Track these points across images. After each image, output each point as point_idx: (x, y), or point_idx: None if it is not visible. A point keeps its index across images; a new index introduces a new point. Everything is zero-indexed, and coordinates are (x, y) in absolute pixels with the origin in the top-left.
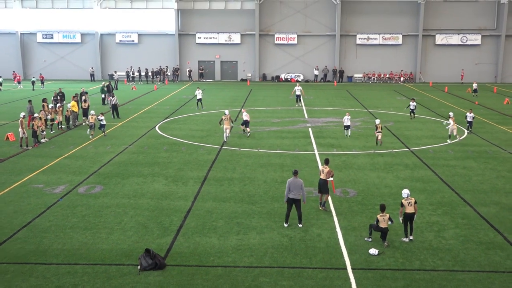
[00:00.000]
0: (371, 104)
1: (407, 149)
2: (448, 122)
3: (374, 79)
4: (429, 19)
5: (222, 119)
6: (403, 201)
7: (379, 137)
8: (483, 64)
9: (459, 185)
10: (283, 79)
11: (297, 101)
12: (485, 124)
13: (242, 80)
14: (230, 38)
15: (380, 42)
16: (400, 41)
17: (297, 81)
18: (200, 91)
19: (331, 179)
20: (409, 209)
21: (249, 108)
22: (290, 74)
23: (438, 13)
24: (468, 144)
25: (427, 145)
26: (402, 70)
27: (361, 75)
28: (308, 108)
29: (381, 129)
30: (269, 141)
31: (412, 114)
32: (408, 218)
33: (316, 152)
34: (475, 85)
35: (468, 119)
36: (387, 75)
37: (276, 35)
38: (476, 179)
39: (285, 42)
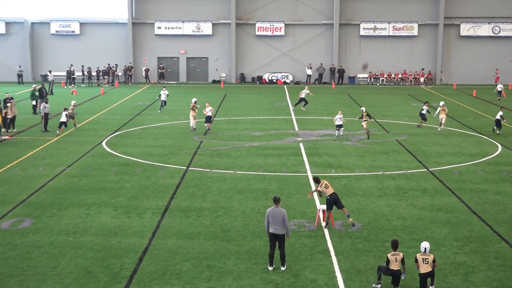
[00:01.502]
0: (379, 112)
1: (426, 170)
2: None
3: (383, 80)
4: (453, 4)
5: (191, 107)
6: (418, 255)
7: (364, 126)
8: None
9: (491, 216)
10: (267, 81)
11: (297, 104)
12: None
13: (214, 81)
14: (199, 29)
15: (390, 34)
16: (415, 32)
17: (302, 82)
18: (166, 92)
19: (319, 208)
20: (424, 268)
21: (223, 118)
22: (275, 75)
23: None
24: (503, 162)
25: (451, 164)
26: (423, 69)
27: (366, 76)
28: (299, 117)
29: (368, 117)
30: (249, 160)
31: (422, 120)
32: (425, 277)
33: (309, 174)
34: (500, 87)
35: (497, 117)
36: (399, 75)
37: (257, 25)
38: None
39: (269, 33)
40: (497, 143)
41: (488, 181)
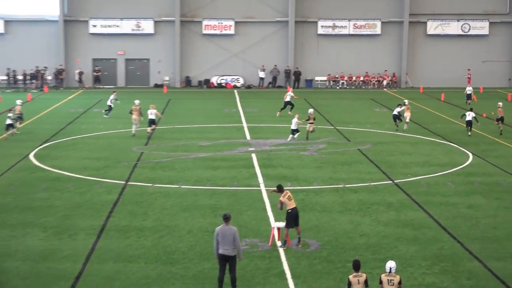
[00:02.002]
0: (340, 118)
1: (391, 182)
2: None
3: (343, 83)
4: (418, 0)
5: (132, 109)
6: (382, 276)
7: (311, 129)
8: (492, 62)
9: (463, 232)
10: (215, 85)
11: (282, 109)
12: (498, 145)
13: (156, 86)
14: (139, 27)
15: (351, 32)
16: (378, 31)
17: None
18: (115, 97)
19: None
20: None
21: (166, 126)
22: (225, 78)
23: None
24: (474, 173)
25: (418, 175)
26: (386, 71)
27: (325, 78)
28: (251, 125)
29: (314, 120)
30: (195, 173)
31: (397, 121)
32: None
33: (263, 188)
34: (469, 89)
35: (469, 118)
36: (361, 78)
37: (204, 22)
38: (486, 222)
39: (218, 31)
40: (468, 152)
41: (459, 194)
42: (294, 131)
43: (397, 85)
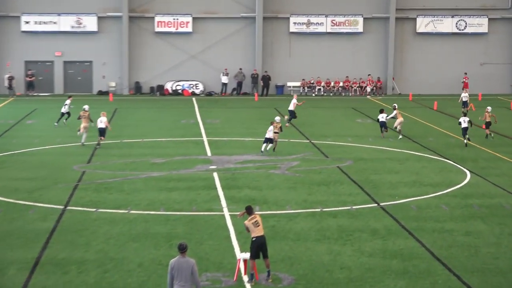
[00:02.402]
0: (316, 131)
1: (376, 205)
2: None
3: (320, 89)
4: None
5: (80, 115)
6: None
7: (276, 138)
8: (491, 64)
9: (460, 263)
10: (170, 92)
11: (291, 119)
12: (499, 162)
13: (100, 93)
14: (80, 24)
15: (329, 30)
16: (360, 28)
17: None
18: (70, 103)
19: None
20: None
21: (113, 141)
22: (181, 83)
23: None
24: (472, 194)
25: (408, 197)
26: (369, 75)
27: (298, 84)
28: (212, 139)
29: (281, 130)
30: (147, 196)
31: (384, 129)
32: None
33: (226, 213)
34: (465, 96)
35: (465, 124)
36: (341, 84)
37: (157, 18)
38: (487, 251)
39: (173, 29)
40: (465, 169)
41: (455, 218)
42: (267, 141)
43: (382, 91)
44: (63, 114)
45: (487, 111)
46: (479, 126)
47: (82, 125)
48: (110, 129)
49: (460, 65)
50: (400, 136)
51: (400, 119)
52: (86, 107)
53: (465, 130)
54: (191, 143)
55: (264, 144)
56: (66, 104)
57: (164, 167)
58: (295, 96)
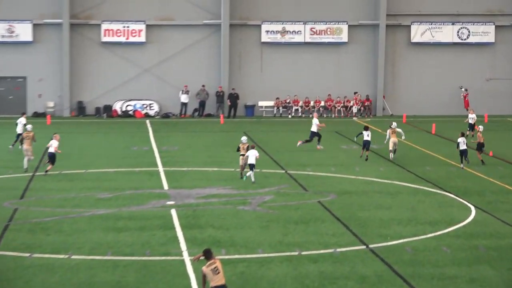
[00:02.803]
0: (293, 159)
1: (364, 247)
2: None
3: (297, 110)
4: None
5: (23, 137)
6: None
7: (241, 162)
8: (499, 80)
9: None
10: (120, 113)
11: (309, 141)
12: (509, 195)
13: (36, 114)
14: (12, 32)
15: (308, 39)
16: (344, 37)
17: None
18: (23, 120)
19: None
20: None
21: (51, 172)
22: (133, 103)
23: None
24: (478, 233)
25: (402, 237)
26: (356, 93)
27: (271, 104)
28: (170, 169)
29: (248, 149)
30: (91, 237)
31: (365, 151)
32: None
33: (186, 257)
34: (472, 118)
35: (463, 147)
36: (322, 103)
37: (104, 26)
38: None
39: (123, 39)
40: (469, 204)
41: (458, 263)
42: (249, 166)
43: (371, 112)
44: (19, 135)
45: (479, 131)
46: (498, 158)
47: (24, 147)
48: (59, 151)
49: (463, 81)
50: (391, 156)
51: (393, 139)
52: (29, 127)
53: (464, 153)
54: (145, 175)
55: (250, 172)
56: (20, 123)
57: (112, 203)
58: (315, 115)
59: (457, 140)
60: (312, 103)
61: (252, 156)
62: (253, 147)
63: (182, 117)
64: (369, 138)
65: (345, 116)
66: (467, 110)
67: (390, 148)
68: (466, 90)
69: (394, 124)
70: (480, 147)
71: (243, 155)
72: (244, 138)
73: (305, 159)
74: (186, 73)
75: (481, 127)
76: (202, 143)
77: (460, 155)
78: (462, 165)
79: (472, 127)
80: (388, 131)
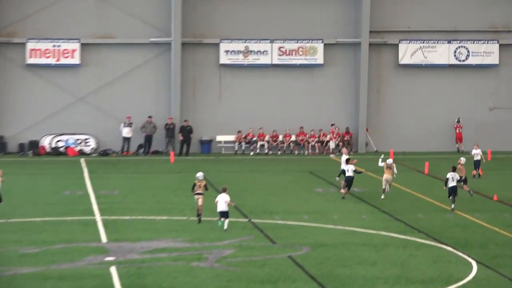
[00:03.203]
0: (258, 205)
1: None
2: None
3: (263, 146)
4: (384, 9)
5: None
6: None
7: (198, 203)
8: (505, 109)
9: None
10: (49, 150)
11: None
12: None
13: None
14: None
15: (276, 61)
16: (319, 58)
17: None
18: None
19: None
20: None
21: None
22: (65, 138)
23: None
24: None
25: None
26: (333, 125)
27: (232, 138)
28: (109, 217)
29: (205, 188)
30: None
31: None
32: None
33: None
34: (477, 153)
35: (452, 183)
36: (293, 137)
37: (29, 45)
38: None
39: (53, 60)
40: (469, 259)
41: None
42: (222, 214)
43: (351, 148)
44: None
45: (460, 163)
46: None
47: None
48: None
49: (461, 110)
50: (382, 196)
51: (386, 176)
52: None
53: (453, 191)
54: (78, 225)
55: (221, 221)
56: None
57: (39, 260)
58: (344, 151)
59: (446, 176)
60: (281, 138)
61: (222, 201)
62: (224, 190)
63: (124, 154)
64: (352, 174)
65: (321, 153)
66: (459, 145)
67: (383, 186)
68: (458, 121)
69: (390, 160)
70: (462, 181)
71: (198, 193)
72: (200, 174)
73: (272, 205)
74: (129, 102)
75: (462, 159)
76: (148, 186)
77: (448, 194)
78: (452, 206)
79: (478, 164)
80: (382, 164)
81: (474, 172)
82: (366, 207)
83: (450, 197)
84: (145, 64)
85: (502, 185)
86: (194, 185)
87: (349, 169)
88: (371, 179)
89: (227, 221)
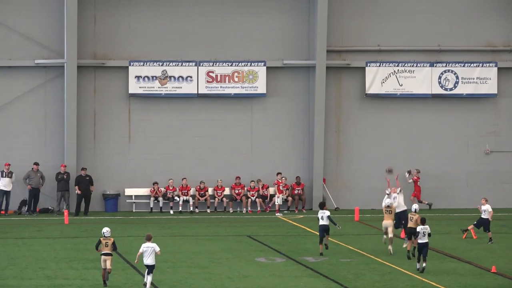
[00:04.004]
0: (182, 282)
1: None
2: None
3: (186, 201)
4: (347, 22)
5: None
6: None
7: (108, 265)
8: (505, 153)
9: None
10: None
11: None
12: None
13: None
14: None
15: (203, 90)
16: (261, 87)
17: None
18: None
19: None
20: None
21: None
22: None
23: (370, 6)
24: None
25: None
26: (279, 174)
27: (145, 192)
28: None
29: (114, 247)
30: None
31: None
32: None
33: None
34: (485, 210)
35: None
36: (226, 190)
37: None
38: None
39: None
40: None
41: None
42: (151, 269)
43: (304, 204)
44: None
45: (412, 214)
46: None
47: None
48: None
49: (448, 154)
50: (391, 251)
51: (386, 222)
52: None
53: (423, 249)
54: None
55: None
56: None
57: None
58: (394, 189)
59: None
60: (210, 191)
61: (150, 252)
62: (149, 239)
63: (1, 214)
64: (326, 222)
65: (263, 210)
66: (420, 201)
67: (383, 239)
68: (408, 173)
69: (388, 201)
70: (410, 235)
71: (106, 254)
72: (106, 230)
73: (199, 281)
74: (7, 145)
75: (415, 206)
76: (34, 257)
77: (418, 252)
78: (418, 266)
79: (487, 225)
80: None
81: (491, 235)
82: (324, 282)
83: (420, 257)
84: (30, 94)
85: (502, 253)
86: (99, 242)
87: (323, 216)
88: (331, 245)
89: (150, 277)
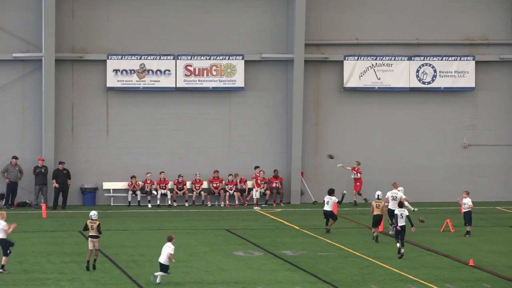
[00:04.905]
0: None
1: None
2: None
3: (165, 195)
4: (325, 16)
5: None
6: None
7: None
8: (482, 147)
9: None
10: None
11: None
12: None
13: None
14: None
15: (181, 84)
16: (239, 80)
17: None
18: None
19: None
20: None
21: None
22: None
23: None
24: None
25: None
26: (257, 168)
27: (123, 186)
28: None
29: (98, 231)
30: None
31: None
32: None
33: None
34: (466, 203)
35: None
36: (204, 184)
37: None
38: None
39: None
40: None
41: None
42: (164, 268)
43: (282, 198)
44: None
45: (380, 206)
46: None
47: None
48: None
49: (425, 147)
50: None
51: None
52: None
53: (400, 233)
54: None
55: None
56: None
57: None
58: (404, 199)
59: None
60: (188, 185)
61: (164, 252)
62: (170, 239)
63: None
64: (329, 208)
65: (241, 204)
66: (358, 193)
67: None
68: (342, 165)
69: (378, 192)
70: (376, 223)
71: (93, 236)
72: (93, 213)
73: (178, 275)
74: None
75: (378, 192)
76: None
77: (395, 236)
78: (402, 251)
79: (469, 218)
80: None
81: (469, 228)
82: (302, 276)
83: (398, 238)
84: (7, 88)
85: (480, 246)
86: (86, 225)
87: (329, 201)
88: (309, 239)
89: (161, 275)
